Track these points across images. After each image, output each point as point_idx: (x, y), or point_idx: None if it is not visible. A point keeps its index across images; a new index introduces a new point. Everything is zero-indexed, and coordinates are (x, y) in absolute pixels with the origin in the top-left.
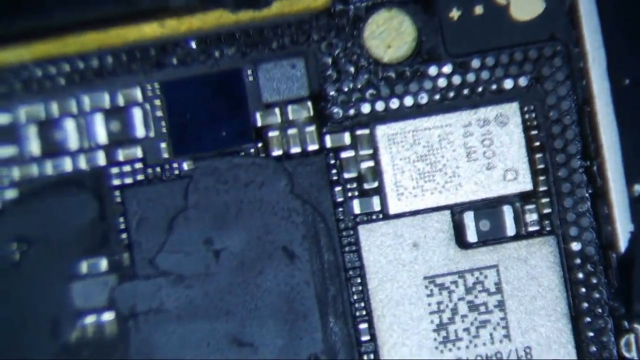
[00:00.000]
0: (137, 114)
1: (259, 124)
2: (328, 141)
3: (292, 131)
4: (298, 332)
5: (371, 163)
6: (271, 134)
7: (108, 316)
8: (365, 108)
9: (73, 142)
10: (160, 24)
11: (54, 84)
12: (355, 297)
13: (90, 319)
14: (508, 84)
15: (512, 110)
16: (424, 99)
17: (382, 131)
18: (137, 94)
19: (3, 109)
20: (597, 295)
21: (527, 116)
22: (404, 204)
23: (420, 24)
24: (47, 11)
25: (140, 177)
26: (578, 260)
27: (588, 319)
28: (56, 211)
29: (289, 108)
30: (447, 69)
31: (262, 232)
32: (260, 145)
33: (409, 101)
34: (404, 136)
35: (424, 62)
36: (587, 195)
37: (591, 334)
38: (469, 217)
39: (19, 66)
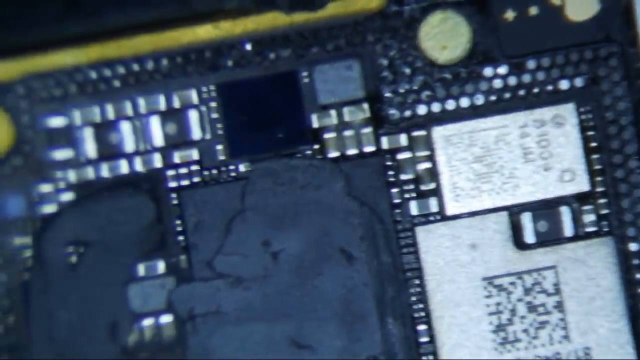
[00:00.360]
0: (193, 116)
1: (315, 125)
2: (384, 143)
3: (348, 133)
4: (356, 333)
5: (428, 164)
6: (327, 135)
7: (166, 319)
8: (422, 109)
9: (129, 145)
10: (215, 26)
11: (109, 86)
12: (413, 298)
13: (148, 322)
14: (564, 84)
15: (568, 111)
16: (479, 100)
17: (439, 132)
18: (193, 96)
19: (59, 112)
20: None
21: (583, 117)
22: (461, 205)
23: (475, 25)
24: (103, 14)
25: (196, 179)
26: (636, 261)
27: None
28: (113, 214)
29: (345, 110)
30: (502, 70)
31: (320, 233)
32: (316, 147)
33: (465, 102)
34: (460, 137)
35: (480, 64)
36: None
37: None
38: (526, 218)
39: (74, 69)
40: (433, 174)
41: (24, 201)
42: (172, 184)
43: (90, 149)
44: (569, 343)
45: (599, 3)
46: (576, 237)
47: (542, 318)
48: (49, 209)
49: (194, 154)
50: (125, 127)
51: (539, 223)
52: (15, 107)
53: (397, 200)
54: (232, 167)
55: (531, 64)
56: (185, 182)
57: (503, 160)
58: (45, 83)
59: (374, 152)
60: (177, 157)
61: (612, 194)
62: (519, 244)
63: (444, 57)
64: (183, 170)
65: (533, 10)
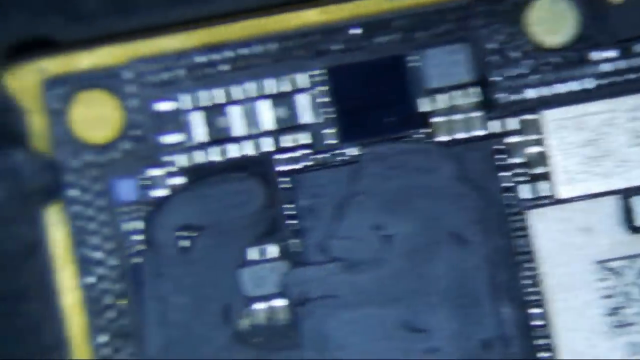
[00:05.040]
0: (303, 99)
1: (425, 109)
2: (494, 127)
3: (458, 117)
4: (470, 317)
5: (539, 148)
6: (437, 119)
7: (279, 303)
8: (531, 93)
9: (239, 129)
10: (322, 10)
11: (218, 70)
12: (526, 282)
13: (260, 306)
14: None
15: None
16: (589, 84)
17: (549, 116)
18: (304, 80)
19: (169, 97)
20: None
21: None
22: (572, 188)
23: (584, 9)
24: None
25: (308, 163)
26: None
27: None
28: (225, 198)
29: (455, 94)
30: (611, 54)
31: (432, 217)
32: (426, 131)
33: (574, 86)
34: (571, 121)
35: (589, 48)
36: None
37: None
38: (638, 202)
39: (182, 53)
40: (544, 157)
41: (135, 186)
42: (283, 168)
43: (200, 133)
44: None
45: None
46: None
47: None
48: (160, 193)
49: (305, 138)
50: (235, 111)
51: None
52: (124, 91)
53: (508, 184)
54: (342, 151)
55: None
56: (296, 166)
57: (613, 143)
58: (154, 67)
59: (484, 136)
60: (287, 141)
61: None
62: (632, 227)
63: (553, 41)
64: (294, 154)
65: None
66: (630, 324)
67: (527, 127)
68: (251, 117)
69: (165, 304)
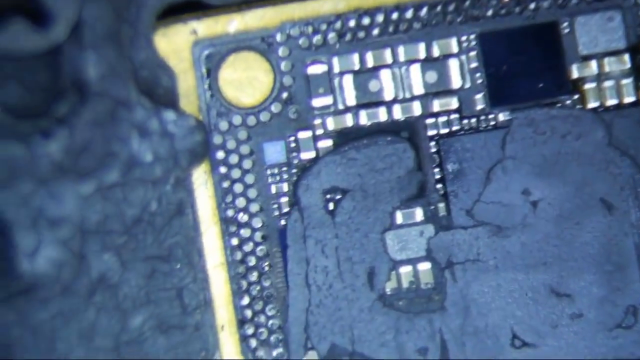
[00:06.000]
0: (453, 64)
1: (576, 76)
2: None
3: (608, 83)
4: (616, 283)
5: None
6: (588, 86)
7: (424, 266)
8: None
9: (388, 93)
10: None
11: (369, 34)
12: None
13: (405, 269)
14: None
15: None
16: None
17: None
18: (453, 45)
19: (318, 60)
20: None
21: None
22: None
23: None
24: None
25: (456, 127)
26: None
27: None
28: (372, 161)
29: (606, 60)
30: None
31: (580, 183)
32: (576, 97)
33: None
34: None
35: None
36: None
37: None
38: None
39: (333, 17)
40: None
41: (282, 148)
42: (432, 132)
43: (349, 96)
44: None
45: None
46: None
47: None
48: (308, 156)
49: (454, 103)
50: (385, 75)
51: None
52: (275, 54)
53: None
54: (492, 116)
55: None
56: (444, 131)
57: None
58: (305, 31)
59: (634, 102)
60: (436, 106)
61: None
62: None
63: None
64: (442, 119)
65: None
66: None
67: None
68: (401, 81)
69: (309, 266)
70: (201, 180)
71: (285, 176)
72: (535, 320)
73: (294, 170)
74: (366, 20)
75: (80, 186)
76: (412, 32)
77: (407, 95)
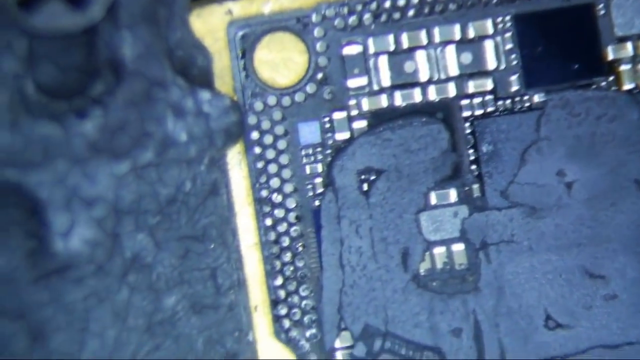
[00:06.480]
0: (488, 46)
1: (611, 57)
2: None
3: None
4: None
5: None
6: (623, 67)
7: (458, 247)
8: None
9: (423, 74)
10: None
11: (404, 15)
12: None
13: (439, 250)
14: None
15: None
16: None
17: None
18: (489, 26)
19: (354, 41)
20: None
21: None
22: None
23: None
24: None
25: (490, 108)
26: None
27: None
28: (407, 142)
29: None
30: None
31: (615, 164)
32: (612, 78)
33: None
34: None
35: None
36: None
37: None
38: None
39: None
40: None
41: (317, 129)
42: (466, 113)
43: (384, 77)
44: None
45: None
46: None
47: None
48: (342, 136)
49: (489, 84)
50: (420, 56)
51: None
52: (310, 35)
53: None
54: (526, 98)
55: None
56: (479, 112)
57: None
58: (340, 12)
59: None
60: (471, 87)
61: None
62: None
63: None
64: (477, 100)
65: None
66: None
67: None
68: (436, 63)
69: (343, 246)
70: (235, 160)
71: (319, 157)
72: (569, 301)
73: (329, 151)
74: (402, 1)
75: (115, 166)
76: (448, 13)
77: (442, 77)
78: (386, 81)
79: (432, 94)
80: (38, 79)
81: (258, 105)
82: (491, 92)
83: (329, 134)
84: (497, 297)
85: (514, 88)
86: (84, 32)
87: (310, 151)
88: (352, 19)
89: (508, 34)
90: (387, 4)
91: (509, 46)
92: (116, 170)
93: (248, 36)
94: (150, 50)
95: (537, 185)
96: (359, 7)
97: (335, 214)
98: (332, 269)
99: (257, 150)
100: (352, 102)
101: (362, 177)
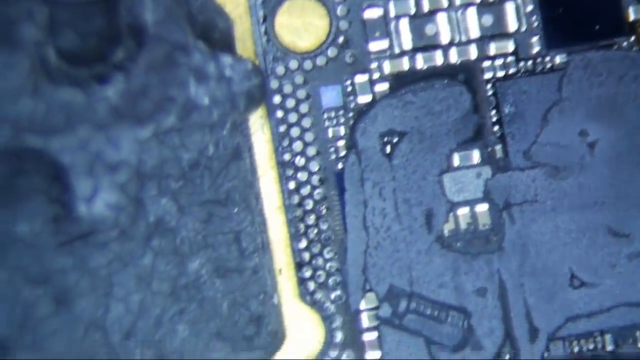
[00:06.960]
0: (509, 7)
1: (633, 18)
2: None
3: None
4: None
5: None
6: None
7: (481, 208)
8: None
9: (444, 36)
10: None
11: None
12: None
13: (463, 211)
14: None
15: None
16: None
17: None
18: None
19: (374, 4)
20: None
21: None
22: None
23: None
24: None
25: (512, 70)
26: None
27: None
28: (428, 104)
29: None
30: None
31: (637, 124)
32: (633, 39)
33: None
34: None
35: None
36: None
37: None
38: None
39: None
40: None
41: (339, 92)
42: (488, 75)
43: (405, 40)
44: None
45: None
46: None
47: None
48: (364, 99)
49: (510, 46)
50: (441, 18)
51: None
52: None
53: None
54: (548, 59)
55: None
56: (500, 74)
57: None
58: None
59: None
60: (492, 49)
61: None
62: None
63: None
64: (498, 62)
65: None
66: None
67: None
68: (457, 25)
69: (366, 209)
70: (258, 124)
71: (342, 120)
72: (593, 259)
73: (351, 114)
74: None
75: (138, 131)
76: None
77: (463, 39)
78: (407, 44)
79: (454, 57)
80: (59, 46)
81: (280, 70)
82: (512, 53)
83: (351, 97)
84: (521, 257)
85: (535, 49)
86: None
87: (333, 114)
88: None
89: None
90: None
91: (529, 8)
92: (139, 135)
93: (268, 1)
94: (171, 15)
95: (559, 146)
96: None
97: (358, 177)
98: (356, 231)
99: (280, 114)
100: (374, 65)
101: (385, 139)
